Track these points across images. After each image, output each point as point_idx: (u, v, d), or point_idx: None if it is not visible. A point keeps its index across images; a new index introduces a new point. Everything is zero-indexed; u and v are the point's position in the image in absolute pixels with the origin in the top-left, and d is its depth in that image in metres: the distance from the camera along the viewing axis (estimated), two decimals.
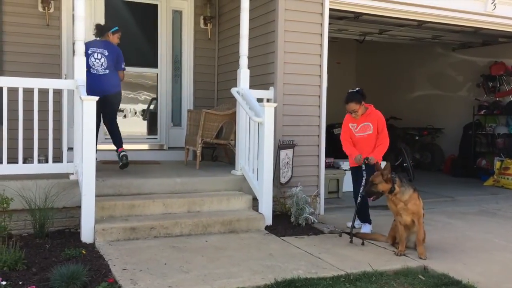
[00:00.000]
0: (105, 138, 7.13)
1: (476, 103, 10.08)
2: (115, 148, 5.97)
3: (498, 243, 5.10)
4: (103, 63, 5.83)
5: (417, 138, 10.77)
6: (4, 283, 3.34)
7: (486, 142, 10.01)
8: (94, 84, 5.42)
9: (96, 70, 5.80)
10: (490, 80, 9.99)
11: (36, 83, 5.06)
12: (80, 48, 4.99)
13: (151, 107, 7.75)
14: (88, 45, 5.61)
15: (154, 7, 7.45)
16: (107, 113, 5.95)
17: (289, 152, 5.91)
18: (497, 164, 9.11)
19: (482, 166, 9.86)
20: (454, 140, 10.49)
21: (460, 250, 4.77)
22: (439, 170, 10.66)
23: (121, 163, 5.81)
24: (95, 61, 5.80)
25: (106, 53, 5.85)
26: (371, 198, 4.60)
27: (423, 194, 4.68)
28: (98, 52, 5.83)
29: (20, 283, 3.49)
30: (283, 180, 5.82)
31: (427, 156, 11.01)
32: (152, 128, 7.70)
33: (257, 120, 5.42)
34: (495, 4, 7.29)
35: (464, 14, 7.21)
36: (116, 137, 6.00)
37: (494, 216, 6.44)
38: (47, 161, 5.18)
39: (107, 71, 5.85)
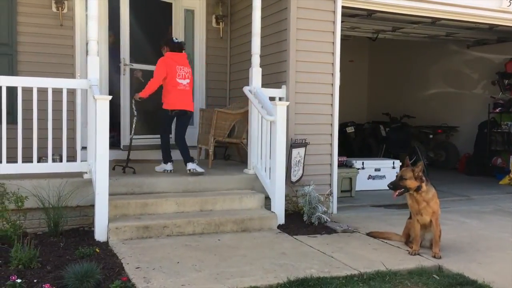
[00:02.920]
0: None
1: (491, 101, 9.95)
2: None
3: None
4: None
5: (431, 136, 10.66)
6: (19, 281, 3.36)
7: (502, 140, 9.87)
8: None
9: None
10: (506, 77, 9.86)
11: (50, 83, 5.10)
12: (94, 48, 5.02)
13: None
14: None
15: (169, 6, 7.43)
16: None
17: (301, 150, 5.88)
18: None
19: (497, 165, 9.73)
20: (469, 139, 10.37)
21: (475, 249, 4.71)
22: (453, 169, 10.55)
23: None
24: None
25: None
26: (396, 193, 4.47)
27: (438, 193, 4.62)
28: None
29: (35, 281, 3.52)
30: (293, 178, 5.80)
31: (441, 155, 10.90)
32: None
33: (269, 119, 5.41)
34: (510, 0, 7.18)
35: (478, 11, 7.12)
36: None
37: (510, 215, 6.35)
38: (61, 160, 5.22)
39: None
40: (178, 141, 6.05)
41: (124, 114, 6.84)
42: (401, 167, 8.25)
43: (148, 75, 6.36)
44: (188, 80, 6.02)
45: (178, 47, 6.05)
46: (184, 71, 5.99)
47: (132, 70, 6.87)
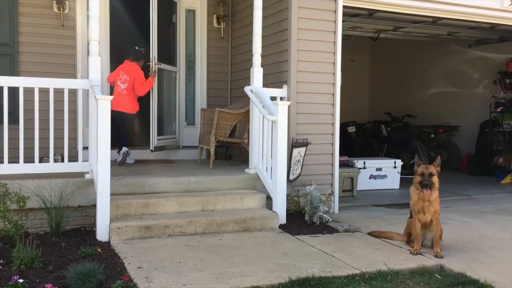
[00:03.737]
0: None
1: (493, 100, 9.94)
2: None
3: None
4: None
5: (432, 136, 10.65)
6: (21, 281, 3.37)
7: (503, 139, 9.87)
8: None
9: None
10: (507, 77, 9.84)
11: (52, 83, 5.11)
12: (95, 48, 5.02)
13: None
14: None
15: (174, 4, 7.43)
16: None
17: (301, 150, 5.88)
18: None
19: (499, 164, 9.72)
20: (470, 138, 10.36)
21: (477, 249, 4.70)
22: (455, 168, 10.53)
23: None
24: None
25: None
26: (429, 191, 4.37)
27: (440, 193, 4.61)
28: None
29: (37, 281, 3.53)
30: (291, 177, 5.80)
31: (443, 154, 10.82)
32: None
33: (270, 119, 5.41)
34: None
35: (480, 10, 7.12)
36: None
37: None
38: (62, 160, 5.24)
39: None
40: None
41: None
42: (402, 166, 8.26)
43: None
44: (126, 85, 6.53)
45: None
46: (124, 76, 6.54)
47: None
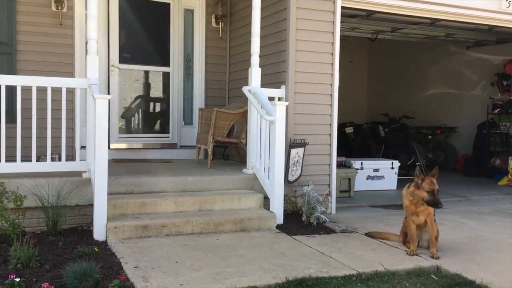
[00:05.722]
0: (119, 137, 7.20)
1: (490, 101, 9.97)
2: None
3: None
4: None
5: (430, 137, 10.68)
6: (18, 279, 3.36)
7: (501, 141, 9.89)
8: None
9: None
10: (505, 78, 9.87)
11: (49, 82, 5.10)
12: (93, 47, 5.02)
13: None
14: None
15: (167, 6, 7.45)
16: None
17: (299, 150, 5.89)
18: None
19: (496, 166, 9.75)
20: (468, 139, 10.38)
21: (473, 250, 4.71)
22: (452, 170, 10.56)
23: None
24: None
25: None
26: (439, 205, 4.36)
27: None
28: None
29: (34, 280, 3.52)
30: (291, 178, 5.80)
31: (440, 155, 10.91)
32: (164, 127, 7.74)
33: (268, 119, 5.41)
34: (510, 1, 7.19)
35: (478, 12, 7.13)
36: None
37: (509, 216, 6.36)
38: (60, 160, 5.22)
39: None
40: None
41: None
42: (400, 167, 8.27)
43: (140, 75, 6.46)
44: None
45: None
46: None
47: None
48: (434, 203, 4.35)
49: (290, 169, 5.77)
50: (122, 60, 7.11)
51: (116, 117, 7.15)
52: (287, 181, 5.75)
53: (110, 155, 5.85)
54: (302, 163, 5.94)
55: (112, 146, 6.95)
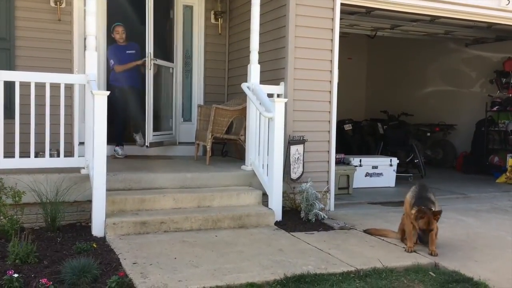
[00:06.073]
0: None
1: (489, 99, 9.97)
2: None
3: (511, 240, 5.05)
4: None
5: (428, 134, 10.68)
6: (16, 275, 3.36)
7: (499, 138, 9.91)
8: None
9: None
10: (504, 76, 9.87)
11: (48, 78, 5.09)
12: (92, 43, 5.01)
13: None
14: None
15: (170, 1, 7.41)
16: None
17: (299, 147, 5.88)
18: (510, 161, 9.01)
19: (494, 163, 9.76)
20: (466, 137, 10.39)
21: (472, 247, 4.72)
22: (451, 167, 10.57)
23: None
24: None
25: None
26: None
27: (435, 191, 4.64)
28: None
29: (32, 275, 3.52)
30: (293, 176, 5.80)
31: (439, 153, 10.92)
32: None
33: (267, 116, 5.41)
34: None
35: (477, 9, 7.12)
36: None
37: (507, 214, 6.38)
38: (58, 156, 5.21)
39: None
40: None
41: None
42: (398, 164, 8.28)
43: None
44: None
45: None
46: None
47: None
48: (420, 239, 4.48)
49: (292, 167, 5.76)
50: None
51: None
52: (289, 179, 5.74)
53: (109, 151, 5.85)
54: (303, 160, 5.93)
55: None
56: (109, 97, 4.71)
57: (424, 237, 4.41)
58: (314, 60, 6.13)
